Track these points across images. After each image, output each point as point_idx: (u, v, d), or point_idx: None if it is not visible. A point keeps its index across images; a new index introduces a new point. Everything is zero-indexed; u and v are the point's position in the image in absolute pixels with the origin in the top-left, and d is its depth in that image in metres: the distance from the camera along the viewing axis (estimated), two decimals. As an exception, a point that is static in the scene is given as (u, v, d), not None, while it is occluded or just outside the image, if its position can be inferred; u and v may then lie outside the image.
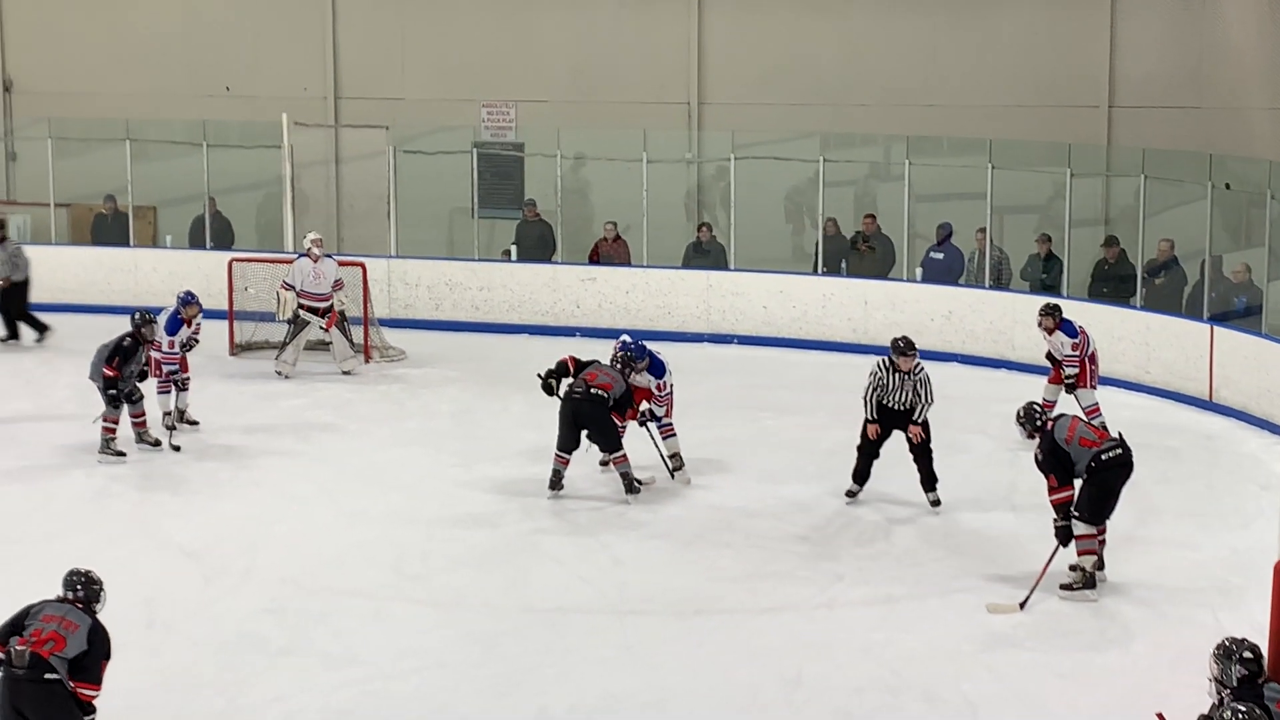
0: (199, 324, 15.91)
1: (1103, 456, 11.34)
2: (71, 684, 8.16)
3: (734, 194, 20.46)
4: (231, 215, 22.42)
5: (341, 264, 18.79)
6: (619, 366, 13.73)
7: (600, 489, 13.84)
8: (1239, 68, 20.61)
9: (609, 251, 20.78)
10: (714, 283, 20.05)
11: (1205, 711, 8.01)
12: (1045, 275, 18.94)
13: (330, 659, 10.35)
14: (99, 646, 8.30)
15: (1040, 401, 12.96)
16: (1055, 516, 11.37)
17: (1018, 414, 11.73)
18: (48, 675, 8.10)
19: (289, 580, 11.74)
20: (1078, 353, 15.28)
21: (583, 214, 22.11)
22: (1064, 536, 11.36)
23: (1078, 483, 11.43)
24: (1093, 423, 11.93)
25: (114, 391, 14.58)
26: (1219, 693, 7.87)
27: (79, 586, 8.53)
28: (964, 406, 16.74)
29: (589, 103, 23.12)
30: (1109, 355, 17.02)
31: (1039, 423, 11.54)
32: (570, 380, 13.79)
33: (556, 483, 13.54)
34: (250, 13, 24.52)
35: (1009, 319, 18.56)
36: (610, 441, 13.48)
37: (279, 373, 17.98)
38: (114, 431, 14.64)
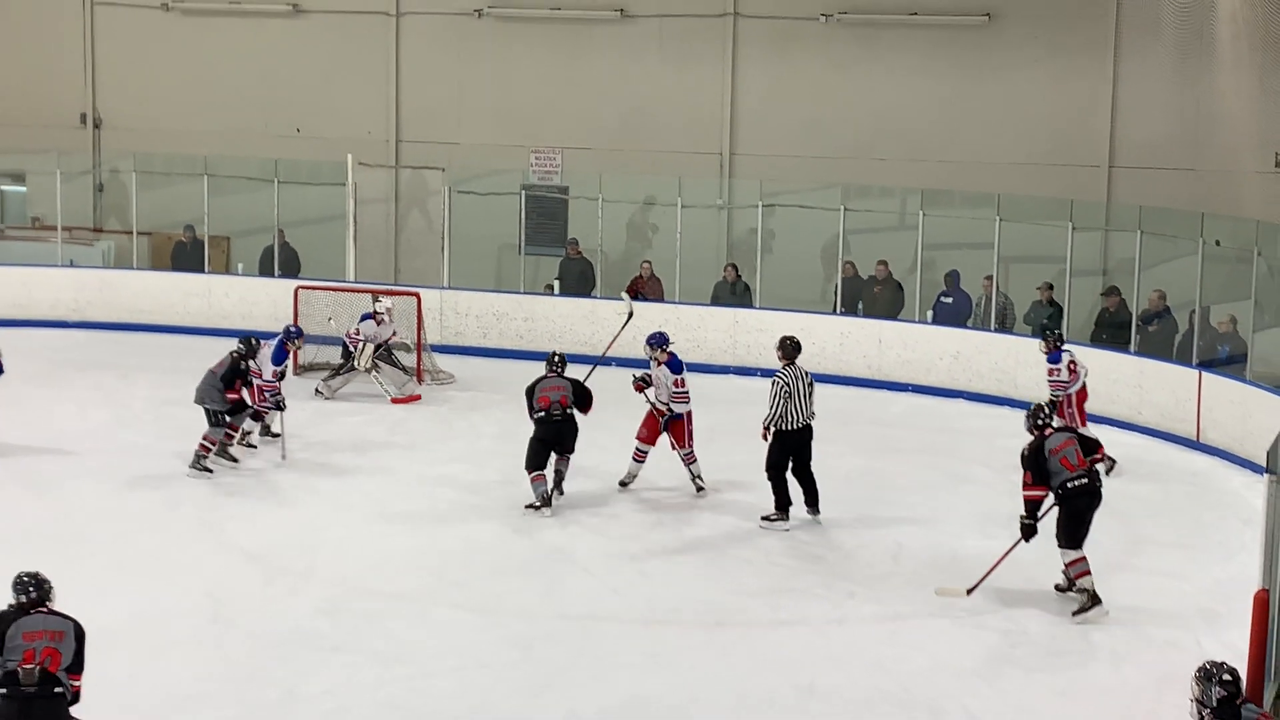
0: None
1: (1068, 484, 11.34)
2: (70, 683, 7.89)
3: (760, 238, 20.47)
4: (299, 246, 22.49)
5: (397, 293, 18.85)
6: (558, 368, 14.03)
7: (631, 507, 13.80)
8: (1231, 134, 20.56)
9: (643, 288, 20.80)
10: (740, 319, 20.03)
11: (1189, 729, 7.96)
12: (1047, 320, 18.86)
13: (378, 656, 10.32)
14: (82, 640, 8.00)
15: (1049, 404, 12.70)
16: (1023, 514, 11.44)
17: (1029, 408, 11.82)
18: (56, 689, 7.83)
19: (342, 583, 11.73)
20: (1053, 378, 15.32)
21: (621, 253, 22.12)
22: (1027, 533, 11.43)
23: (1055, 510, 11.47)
24: (1067, 453, 11.68)
25: (225, 413, 14.56)
26: (1200, 712, 7.79)
27: (32, 589, 8.08)
28: (970, 440, 16.74)
29: (630, 151, 23.16)
30: (1105, 397, 16.96)
31: (1039, 423, 11.57)
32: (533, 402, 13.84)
33: (548, 500, 13.48)
34: (320, 61, 24.63)
35: (1013, 360, 18.49)
36: (571, 444, 13.79)
37: (318, 391, 18.01)
38: (209, 451, 14.61)
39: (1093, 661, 10.71)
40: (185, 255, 22.51)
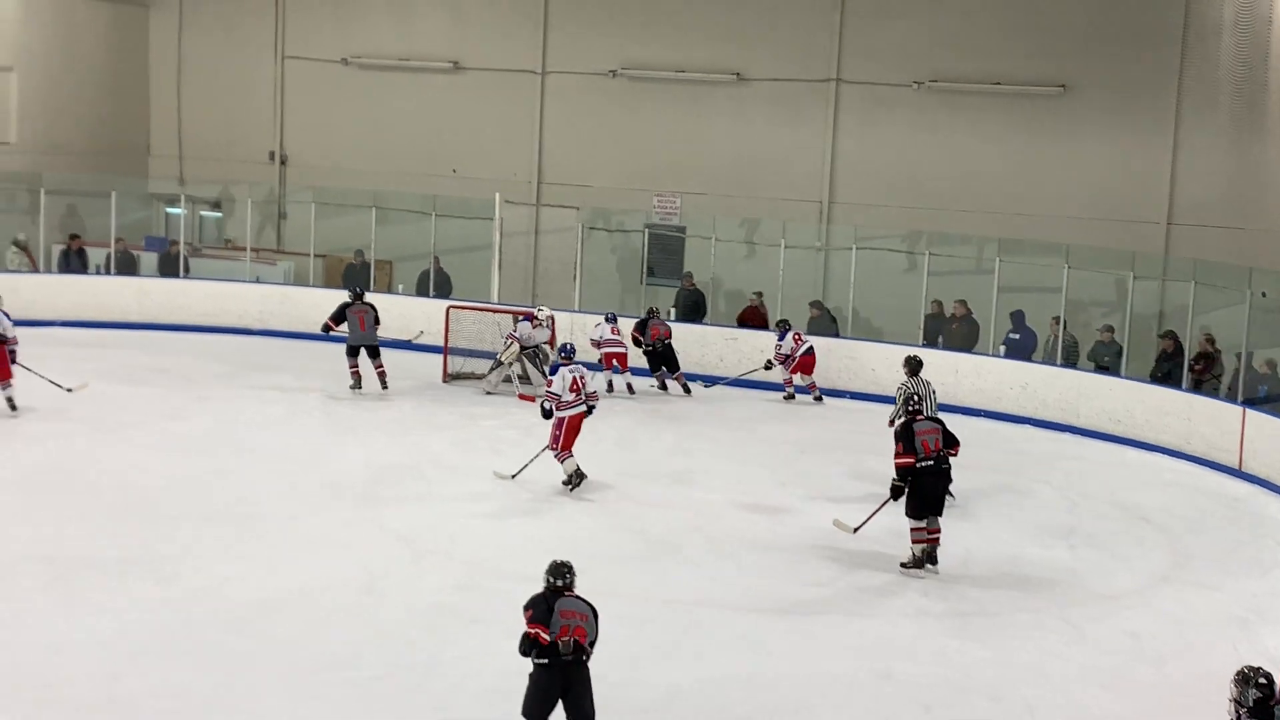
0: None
1: (918, 465, 11.95)
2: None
3: (853, 276, 20.40)
4: (451, 271, 22.73)
5: (535, 315, 19.03)
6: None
7: (730, 509, 13.82)
8: (1279, 197, 20.24)
9: (749, 317, 20.83)
10: (832, 348, 19.96)
11: (1225, 726, 7.84)
12: (1106, 359, 18.64)
13: (509, 629, 10.21)
14: (598, 623, 8.30)
15: (916, 397, 12.74)
16: (895, 477, 12.04)
17: (903, 397, 12.83)
18: (584, 658, 8.14)
19: (479, 564, 11.84)
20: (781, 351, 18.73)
21: (730, 286, 22.15)
22: (895, 493, 12.08)
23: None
24: (927, 438, 12.04)
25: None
26: (1237, 712, 7.67)
27: (568, 575, 8.33)
28: (1033, 461, 16.59)
29: (740, 196, 23.20)
30: (1158, 427, 16.84)
31: (910, 409, 12.30)
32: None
33: None
34: (475, 111, 24.92)
35: (1075, 392, 18.29)
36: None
37: (487, 391, 18.36)
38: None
39: (1138, 661, 10.58)
40: (354, 275, 22.80)
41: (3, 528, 12.07)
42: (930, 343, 19.88)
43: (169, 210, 25.31)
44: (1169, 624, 11.35)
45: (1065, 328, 19.03)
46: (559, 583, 8.30)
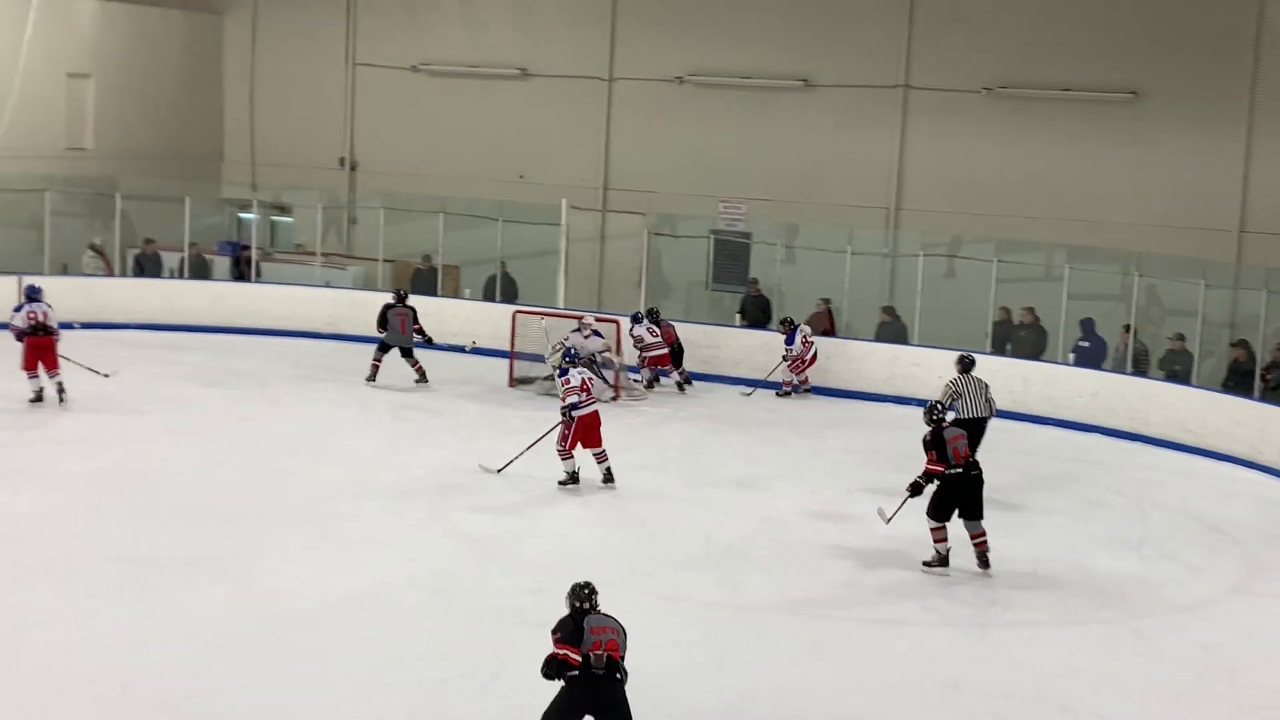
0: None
1: (947, 472, 12.03)
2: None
3: (920, 283, 20.26)
4: (517, 276, 22.80)
5: (599, 320, 19.06)
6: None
7: (799, 515, 13.76)
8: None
9: (816, 323, 20.73)
10: (899, 354, 19.84)
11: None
12: (1177, 367, 18.41)
13: (577, 633, 10.40)
14: (627, 640, 8.18)
15: (940, 405, 12.79)
16: (919, 476, 12.17)
17: (925, 405, 12.72)
18: (618, 675, 8.00)
19: (546, 568, 11.79)
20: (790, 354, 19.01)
21: (795, 292, 22.06)
22: (913, 490, 12.23)
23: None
24: (957, 445, 12.19)
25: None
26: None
27: (592, 595, 8.20)
28: (1104, 471, 16.40)
29: (806, 203, 23.12)
30: (1230, 436, 16.60)
31: (935, 416, 12.32)
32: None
33: None
34: (543, 118, 25.01)
35: (1145, 400, 18.06)
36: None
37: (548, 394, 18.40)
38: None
39: (1211, 673, 10.42)
40: (422, 280, 22.94)
41: (79, 527, 12.22)
42: (998, 350, 19.71)
43: (241, 215, 25.57)
44: (1242, 636, 11.18)
45: (1135, 336, 18.81)
46: (584, 605, 8.18)
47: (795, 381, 19.50)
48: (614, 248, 23.61)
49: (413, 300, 19.13)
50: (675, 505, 14.00)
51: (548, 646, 10.02)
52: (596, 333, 18.66)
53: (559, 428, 14.27)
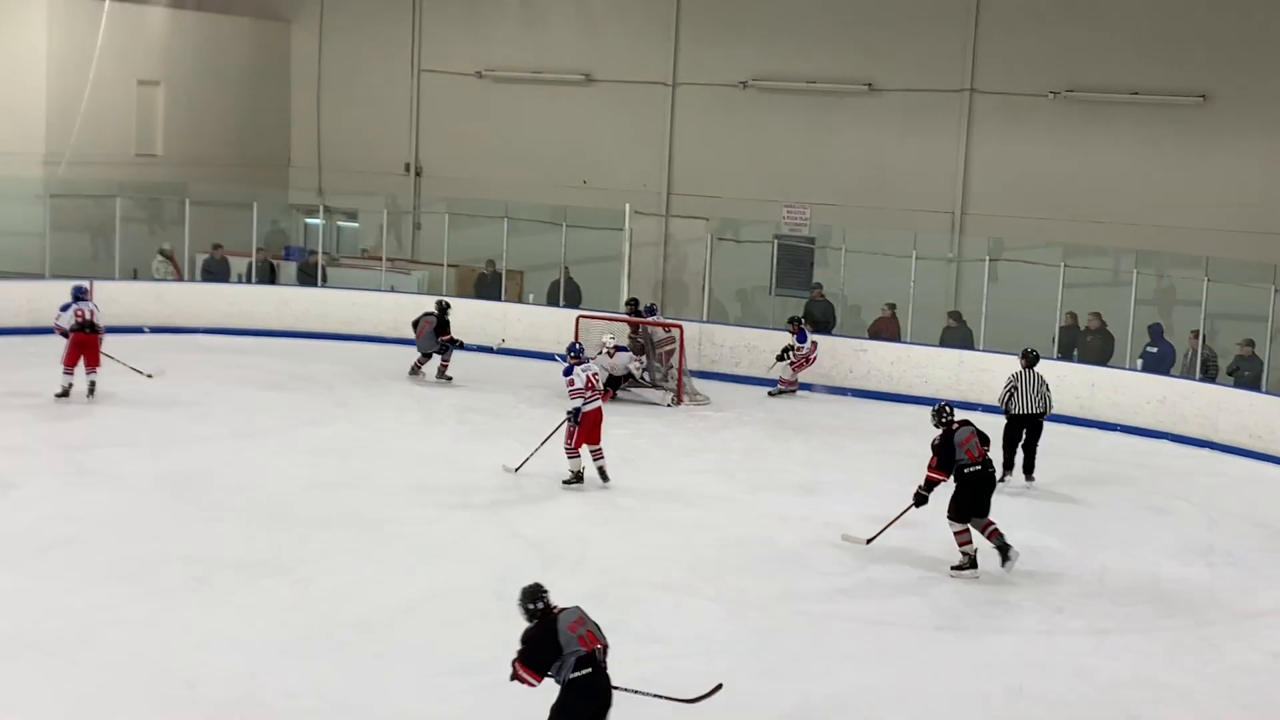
0: None
1: (966, 470, 12.04)
2: None
3: (986, 288, 20.07)
4: (580, 281, 22.82)
5: (662, 324, 19.05)
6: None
7: (860, 521, 13.66)
8: None
9: (881, 328, 20.64)
10: (965, 360, 19.69)
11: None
12: (1246, 373, 18.14)
13: (638, 637, 10.36)
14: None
15: (949, 407, 12.63)
16: (921, 485, 12.17)
17: (934, 406, 12.58)
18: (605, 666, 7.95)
19: (607, 572, 11.82)
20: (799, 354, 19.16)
21: (860, 298, 21.95)
22: (918, 501, 12.25)
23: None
24: (970, 445, 12.16)
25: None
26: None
27: (544, 593, 8.14)
28: (1171, 477, 16.21)
29: (871, 207, 22.98)
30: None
31: (945, 420, 12.25)
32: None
33: None
34: (606, 123, 25.03)
35: (1214, 406, 17.81)
36: None
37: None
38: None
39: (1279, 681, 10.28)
40: (486, 285, 23.03)
41: (146, 528, 12.34)
42: (1065, 355, 19.52)
43: (307, 221, 25.78)
44: (1313, 646, 10.99)
45: (1204, 341, 18.56)
46: (540, 605, 8.03)
47: (794, 380, 19.52)
48: (677, 252, 23.59)
49: (477, 304, 19.23)
50: (737, 509, 13.95)
51: (610, 650, 10.06)
52: (620, 347, 18.75)
53: (564, 426, 14.29)
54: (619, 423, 17.60)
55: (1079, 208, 21.84)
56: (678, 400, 18.82)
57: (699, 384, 19.51)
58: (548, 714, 7.97)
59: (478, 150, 25.79)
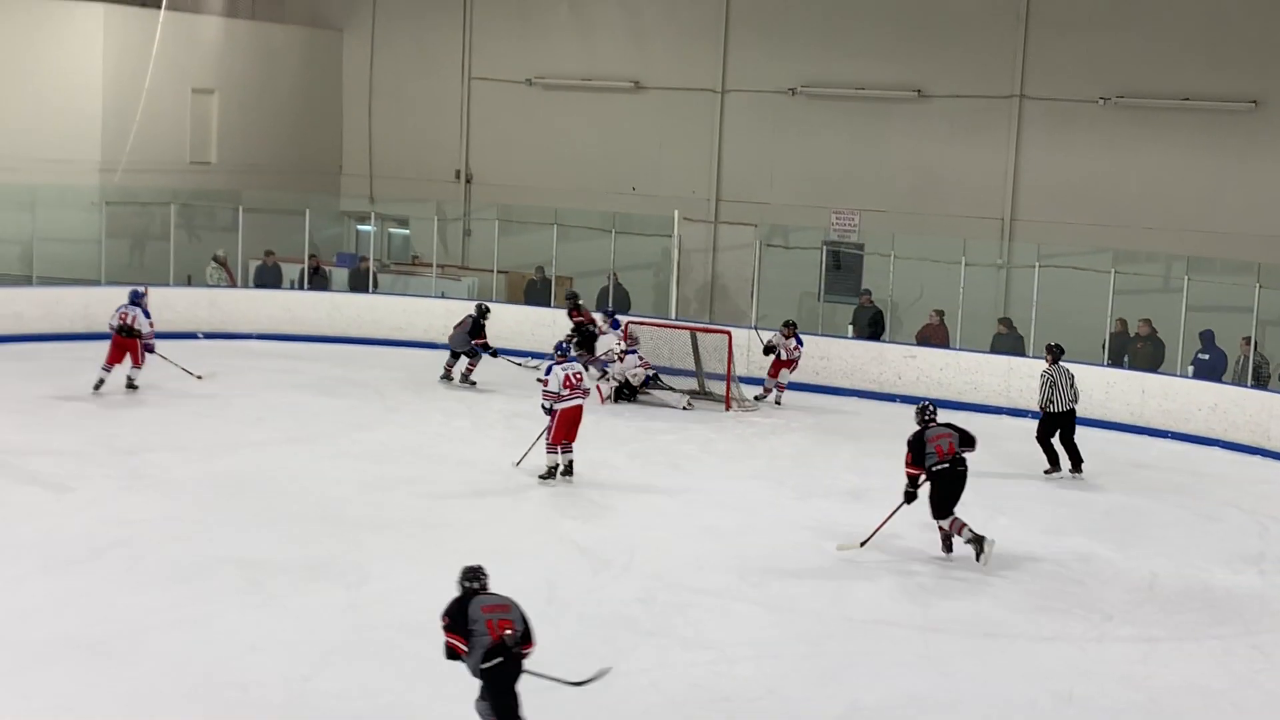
0: None
1: (934, 468, 12.32)
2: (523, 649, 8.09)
3: (1036, 295, 19.94)
4: (630, 287, 22.86)
5: (710, 330, 19.06)
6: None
7: (911, 528, 13.60)
8: None
9: (929, 335, 20.55)
10: (1014, 366, 19.58)
11: None
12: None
13: (685, 642, 10.40)
14: (524, 613, 8.22)
15: (931, 407, 12.96)
16: (907, 485, 12.44)
17: (917, 404, 13.00)
18: (523, 651, 8.08)
19: (657, 577, 11.83)
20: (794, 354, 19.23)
21: (909, 304, 21.88)
22: (908, 499, 12.48)
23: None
24: (940, 443, 12.43)
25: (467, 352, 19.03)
26: None
27: (482, 575, 8.24)
28: (1223, 484, 16.06)
29: (920, 213, 22.91)
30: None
31: (925, 418, 12.65)
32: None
33: None
34: (655, 130, 25.08)
35: (1266, 413, 17.62)
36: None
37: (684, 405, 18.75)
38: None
39: (1336, 692, 10.15)
40: (536, 291, 23.11)
41: (199, 530, 12.45)
42: (1115, 362, 19.38)
43: (359, 227, 25.97)
44: (1367, 655, 10.86)
45: (1256, 348, 18.38)
46: (475, 585, 8.15)
47: (782, 385, 19.39)
48: (726, 259, 23.58)
49: (527, 310, 19.27)
50: (785, 515, 13.94)
51: (659, 654, 10.09)
52: (629, 350, 18.82)
53: (549, 422, 14.52)
54: (664, 428, 17.66)
55: (1129, 214, 21.70)
56: (726, 406, 18.76)
57: (747, 390, 19.48)
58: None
59: (527, 157, 25.90)
